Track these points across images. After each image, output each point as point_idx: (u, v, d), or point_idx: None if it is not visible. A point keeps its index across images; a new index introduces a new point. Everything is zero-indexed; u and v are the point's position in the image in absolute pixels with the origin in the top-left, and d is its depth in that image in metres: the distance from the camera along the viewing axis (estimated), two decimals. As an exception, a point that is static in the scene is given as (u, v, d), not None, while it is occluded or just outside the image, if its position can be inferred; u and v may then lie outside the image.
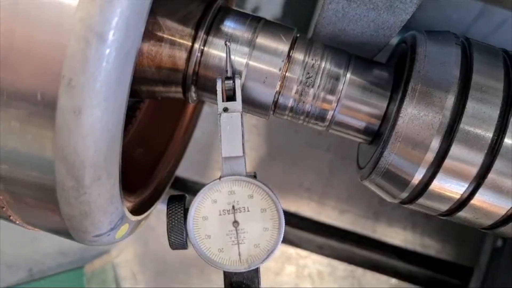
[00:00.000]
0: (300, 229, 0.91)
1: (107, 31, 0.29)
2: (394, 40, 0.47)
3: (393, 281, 0.91)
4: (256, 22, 0.44)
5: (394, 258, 0.92)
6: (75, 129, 0.31)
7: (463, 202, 0.41)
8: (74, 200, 0.34)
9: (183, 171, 0.79)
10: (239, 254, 0.41)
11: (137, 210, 0.48)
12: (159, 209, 0.52)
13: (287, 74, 0.43)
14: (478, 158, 0.38)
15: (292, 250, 0.92)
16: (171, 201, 0.42)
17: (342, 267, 0.92)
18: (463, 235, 0.91)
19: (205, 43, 0.43)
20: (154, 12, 0.42)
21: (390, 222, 0.92)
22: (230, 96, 0.41)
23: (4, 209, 0.38)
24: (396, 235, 0.92)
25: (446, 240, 0.92)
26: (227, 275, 0.42)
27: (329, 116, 0.44)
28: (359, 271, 0.92)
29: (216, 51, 0.43)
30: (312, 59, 0.43)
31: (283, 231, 0.40)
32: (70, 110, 0.30)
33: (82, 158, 0.32)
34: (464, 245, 0.91)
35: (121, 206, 0.40)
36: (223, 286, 0.43)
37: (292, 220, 0.91)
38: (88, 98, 0.30)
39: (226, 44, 0.42)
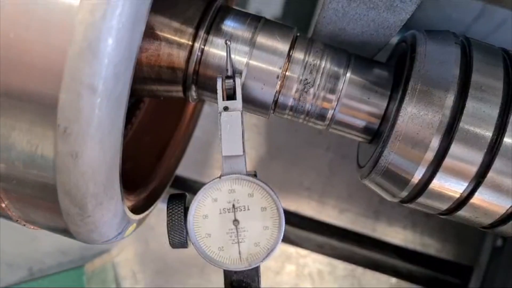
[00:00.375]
0: (300, 228, 0.91)
1: (97, 83, 0.30)
2: (394, 40, 0.47)
3: (393, 280, 0.92)
4: (256, 21, 0.44)
5: (394, 257, 0.92)
6: (74, 169, 0.32)
7: (463, 201, 0.41)
8: (80, 222, 0.36)
9: (183, 170, 0.79)
10: (239, 253, 0.41)
11: (138, 208, 0.48)
12: (160, 208, 0.52)
13: (287, 73, 0.43)
14: (477, 157, 0.38)
15: (292, 249, 0.92)
16: (172, 200, 0.42)
17: (342, 266, 0.92)
18: (463, 234, 0.91)
19: (205, 42, 0.43)
20: (154, 11, 0.42)
21: (390, 221, 0.92)
22: (230, 95, 0.41)
23: (5, 208, 0.38)
24: (396, 234, 0.92)
25: (446, 239, 0.92)
26: (227, 274, 0.43)
27: (329, 115, 0.44)
28: (359, 270, 0.92)
29: (216, 50, 0.43)
30: (312, 59, 0.43)
31: (283, 229, 0.41)
32: (67, 154, 0.32)
33: (83, 191, 0.34)
34: (464, 244, 0.91)
35: (126, 215, 0.41)
36: (223, 285, 0.43)
37: (292, 219, 0.91)
38: (84, 143, 0.31)
39: (226, 43, 0.42)
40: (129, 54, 0.31)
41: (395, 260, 0.92)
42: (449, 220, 0.45)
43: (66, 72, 0.29)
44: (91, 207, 0.35)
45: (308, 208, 0.92)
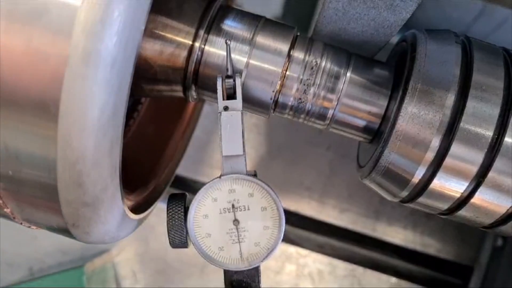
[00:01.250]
0: (300, 228, 0.91)
1: (88, 199, 0.34)
2: (395, 39, 0.47)
3: (393, 280, 0.92)
4: (256, 21, 0.44)
5: (395, 257, 0.92)
6: (89, 237, 0.39)
7: (463, 201, 0.41)
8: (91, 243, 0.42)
9: (183, 169, 0.79)
10: (240, 253, 0.41)
11: (138, 208, 0.48)
12: (160, 208, 0.52)
13: (287, 73, 0.43)
14: (478, 157, 0.38)
15: (292, 249, 0.92)
16: (172, 199, 0.42)
17: (342, 266, 0.92)
18: (463, 234, 0.91)
19: (205, 41, 0.43)
20: (155, 11, 0.42)
21: (390, 221, 0.92)
22: (230, 95, 0.41)
23: (5, 208, 0.38)
24: (397, 234, 0.92)
25: (446, 239, 0.92)
26: (228, 274, 0.42)
27: (329, 115, 0.44)
28: (359, 270, 0.92)
29: (216, 49, 0.43)
30: (312, 58, 0.43)
31: (283, 229, 0.40)
32: (80, 233, 0.38)
33: (99, 240, 0.40)
34: (464, 244, 0.91)
35: (135, 222, 0.45)
36: (223, 285, 0.43)
37: (292, 219, 0.91)
38: (92, 227, 0.37)
39: (226, 43, 0.42)
40: (111, 170, 0.35)
41: (395, 260, 0.92)
42: (450, 220, 0.45)
43: (60, 196, 0.34)
44: (108, 240, 0.41)
45: (308, 208, 0.92)
